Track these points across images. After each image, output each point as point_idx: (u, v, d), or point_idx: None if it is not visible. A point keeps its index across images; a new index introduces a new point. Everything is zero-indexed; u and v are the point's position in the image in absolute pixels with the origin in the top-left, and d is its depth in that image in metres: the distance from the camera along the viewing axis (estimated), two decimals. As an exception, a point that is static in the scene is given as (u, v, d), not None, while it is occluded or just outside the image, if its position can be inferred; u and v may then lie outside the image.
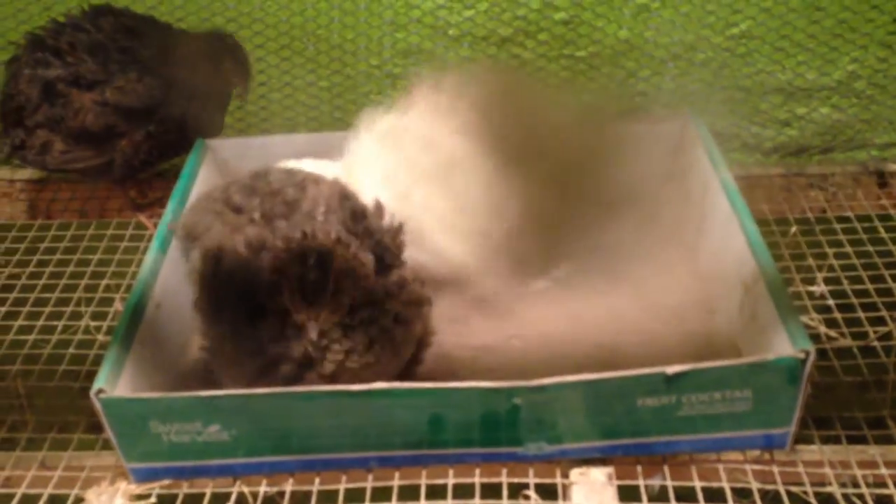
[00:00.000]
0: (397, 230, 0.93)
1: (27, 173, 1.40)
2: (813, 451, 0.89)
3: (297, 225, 0.84)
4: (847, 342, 1.02)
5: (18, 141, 1.20)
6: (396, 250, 0.91)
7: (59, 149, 1.19)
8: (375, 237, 0.90)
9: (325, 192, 0.91)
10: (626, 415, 0.84)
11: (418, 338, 0.91)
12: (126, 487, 0.88)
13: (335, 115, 1.46)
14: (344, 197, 0.92)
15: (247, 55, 1.25)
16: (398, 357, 0.88)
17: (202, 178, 1.18)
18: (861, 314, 1.05)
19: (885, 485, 0.86)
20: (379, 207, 0.93)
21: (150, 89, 1.18)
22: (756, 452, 0.88)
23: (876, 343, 1.02)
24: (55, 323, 1.11)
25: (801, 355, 0.81)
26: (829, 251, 1.15)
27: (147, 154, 1.16)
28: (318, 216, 0.86)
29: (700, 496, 0.84)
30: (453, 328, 1.05)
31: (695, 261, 1.11)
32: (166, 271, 1.02)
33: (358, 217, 0.90)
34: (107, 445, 0.89)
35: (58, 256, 1.23)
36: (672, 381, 0.81)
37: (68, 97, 1.17)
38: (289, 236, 0.83)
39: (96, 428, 0.89)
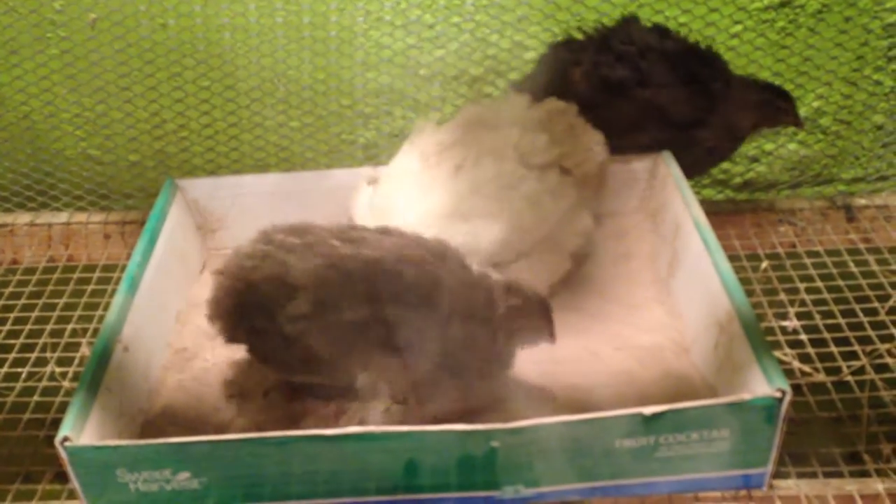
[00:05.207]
0: None
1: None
2: (790, 487, 0.89)
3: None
4: (821, 377, 1.03)
5: None
6: None
7: None
8: None
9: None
10: (604, 456, 0.83)
11: None
12: (91, 540, 0.86)
13: (306, 156, 1.46)
14: None
15: (796, 116, 1.27)
16: None
17: (172, 217, 1.17)
18: (834, 349, 1.06)
19: (862, 520, 0.86)
20: None
21: (694, 109, 1.23)
22: (734, 491, 0.88)
23: (849, 378, 1.02)
24: (19, 370, 1.09)
25: (778, 395, 0.81)
26: (801, 286, 1.16)
27: None
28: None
29: (679, 537, 0.84)
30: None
31: (668, 299, 1.11)
32: (135, 313, 1.00)
33: None
34: (73, 495, 0.87)
35: (23, 301, 1.21)
36: (650, 422, 0.81)
37: (628, 94, 1.23)
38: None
39: (62, 478, 0.87)
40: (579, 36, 1.29)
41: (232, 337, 0.95)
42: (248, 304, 0.92)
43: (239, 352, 1.07)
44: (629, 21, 1.29)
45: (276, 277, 0.91)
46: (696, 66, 1.25)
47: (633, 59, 1.24)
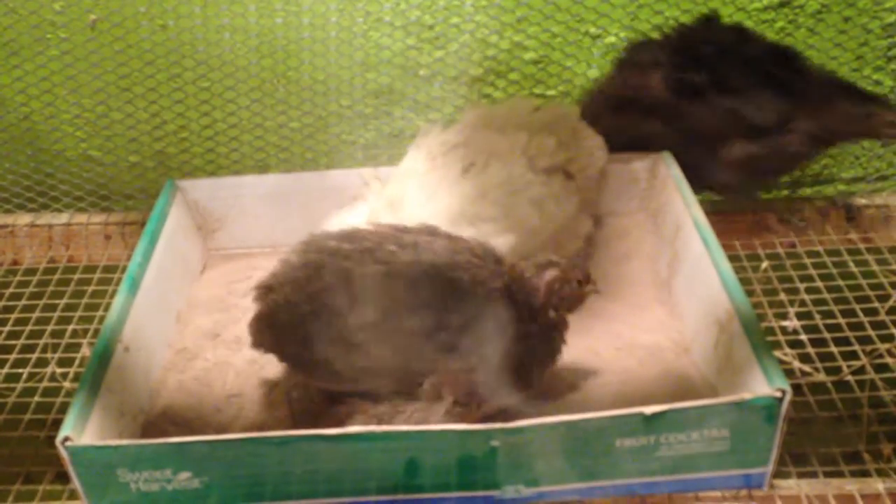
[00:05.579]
0: None
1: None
2: (790, 487, 0.89)
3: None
4: (821, 377, 1.03)
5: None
6: None
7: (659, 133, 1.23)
8: None
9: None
10: (605, 456, 0.83)
11: None
12: (93, 540, 0.86)
13: (306, 156, 1.46)
14: None
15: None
16: None
17: (172, 218, 1.17)
18: (834, 349, 1.06)
19: (862, 520, 0.86)
20: None
21: (775, 113, 1.20)
22: (734, 491, 0.88)
23: (849, 377, 1.02)
24: (20, 371, 1.09)
25: (778, 394, 0.81)
26: (801, 286, 1.16)
27: (740, 173, 1.22)
28: None
29: (679, 536, 0.84)
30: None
31: (669, 298, 1.11)
32: (135, 313, 1.00)
33: None
34: (74, 496, 0.87)
35: (23, 302, 1.21)
36: (650, 422, 0.81)
37: (704, 99, 1.20)
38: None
39: (63, 478, 0.87)
40: (656, 36, 1.27)
41: (284, 355, 0.94)
42: (304, 317, 0.89)
43: (238, 354, 1.08)
44: (707, 20, 1.26)
45: (336, 287, 0.88)
46: (777, 67, 1.22)
47: (713, 61, 1.21)
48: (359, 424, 0.86)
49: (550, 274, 0.93)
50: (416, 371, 0.89)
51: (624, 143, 1.22)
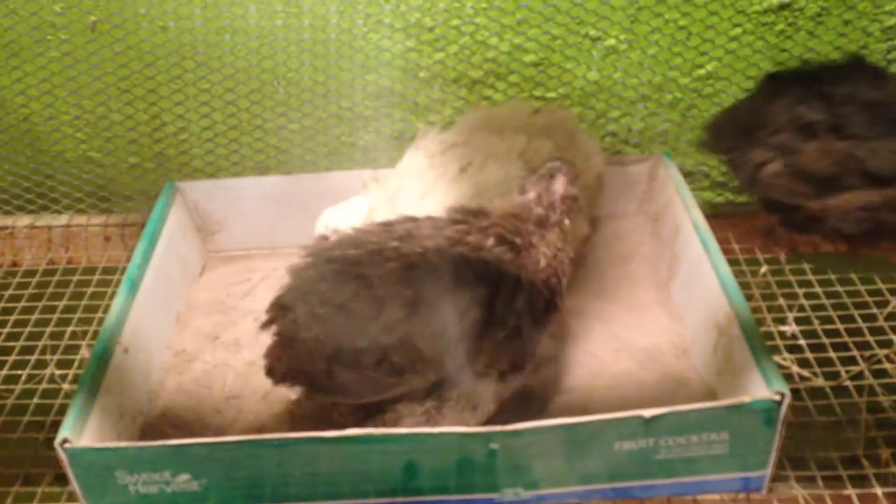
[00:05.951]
0: None
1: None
2: (789, 492, 0.89)
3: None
4: (820, 382, 1.03)
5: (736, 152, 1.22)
6: None
7: (773, 170, 1.19)
8: None
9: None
10: (604, 459, 0.83)
11: None
12: (91, 542, 0.86)
13: (306, 158, 1.46)
14: None
15: None
16: None
17: (172, 219, 1.17)
18: (832, 354, 1.06)
19: (861, 524, 0.86)
20: None
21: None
22: (733, 494, 0.88)
23: (848, 383, 1.02)
24: (19, 372, 1.09)
25: (777, 398, 0.81)
26: (799, 291, 1.16)
27: (855, 221, 1.17)
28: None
29: (678, 540, 0.84)
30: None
31: (668, 301, 1.11)
32: (135, 315, 1.00)
33: None
34: (73, 498, 0.87)
35: (23, 304, 1.21)
36: (650, 425, 0.81)
37: (817, 140, 1.16)
38: None
39: (62, 480, 0.87)
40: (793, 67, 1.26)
41: (311, 376, 0.89)
42: (334, 330, 0.86)
43: (237, 356, 1.08)
44: (855, 59, 1.24)
45: (361, 292, 0.86)
46: None
47: (839, 102, 1.17)
48: (411, 426, 0.85)
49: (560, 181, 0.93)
50: (455, 355, 0.86)
51: (738, 167, 1.22)
